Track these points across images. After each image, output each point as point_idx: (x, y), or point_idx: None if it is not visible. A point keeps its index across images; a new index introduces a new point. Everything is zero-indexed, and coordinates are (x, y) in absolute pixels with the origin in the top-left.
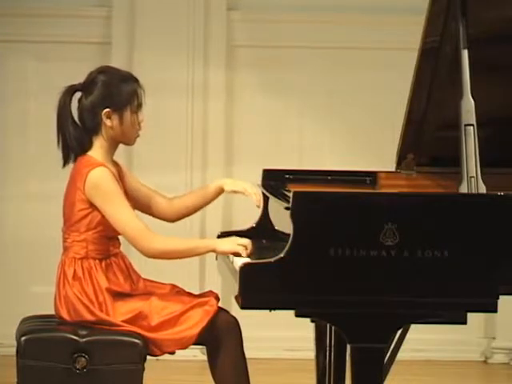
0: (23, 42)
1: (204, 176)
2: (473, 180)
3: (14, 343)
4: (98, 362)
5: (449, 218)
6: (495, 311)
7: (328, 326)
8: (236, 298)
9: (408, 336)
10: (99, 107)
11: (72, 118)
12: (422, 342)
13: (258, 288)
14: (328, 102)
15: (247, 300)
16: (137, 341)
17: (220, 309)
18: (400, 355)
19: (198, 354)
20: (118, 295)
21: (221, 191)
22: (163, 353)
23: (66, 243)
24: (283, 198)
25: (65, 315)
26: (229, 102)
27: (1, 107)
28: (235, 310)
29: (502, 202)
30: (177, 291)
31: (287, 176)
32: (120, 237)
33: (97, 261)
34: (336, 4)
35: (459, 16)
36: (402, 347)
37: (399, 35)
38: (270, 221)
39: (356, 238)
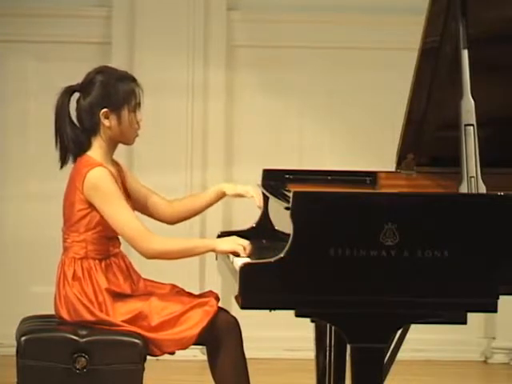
0: (23, 42)
1: (204, 176)
2: (473, 180)
3: (14, 343)
4: (98, 362)
5: (449, 218)
6: (495, 311)
7: (328, 326)
8: (236, 298)
9: (408, 336)
10: (97, 107)
11: (70, 118)
12: (422, 341)
13: (258, 288)
14: (328, 102)
15: (247, 300)
16: (137, 341)
17: (220, 309)
18: (400, 355)
19: (198, 353)
20: (118, 295)
21: (222, 195)
22: (163, 353)
23: (65, 243)
24: (283, 197)
25: (65, 315)
26: (229, 102)
27: (1, 107)
28: (235, 310)
29: (502, 202)
30: (177, 291)
31: (287, 176)
32: (120, 237)
33: (96, 261)
34: (336, 4)
35: (459, 16)
36: (402, 347)
37: (399, 35)
38: (270, 221)
39: (356, 238)
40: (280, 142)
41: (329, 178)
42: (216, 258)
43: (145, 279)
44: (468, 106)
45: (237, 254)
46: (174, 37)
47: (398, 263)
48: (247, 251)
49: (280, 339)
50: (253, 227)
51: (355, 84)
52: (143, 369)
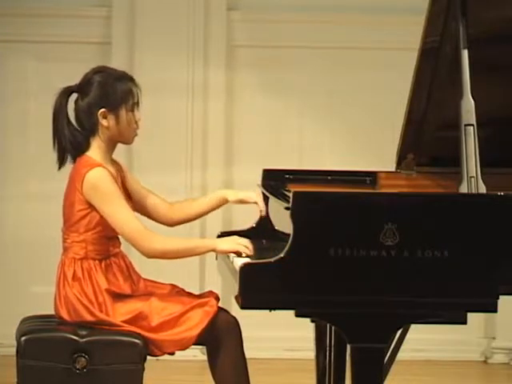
0: (23, 42)
1: (204, 176)
2: (473, 180)
3: (14, 343)
4: (98, 362)
5: (449, 218)
6: (495, 311)
7: (328, 326)
8: (236, 298)
9: (408, 336)
10: (95, 108)
11: (68, 119)
12: (422, 341)
13: (258, 288)
14: (328, 102)
15: (247, 300)
16: (137, 341)
17: (220, 309)
18: (400, 355)
19: (198, 353)
20: (118, 296)
21: (224, 202)
22: (163, 353)
23: (65, 243)
24: (283, 197)
25: (65, 315)
26: (229, 101)
27: (1, 107)
28: (235, 310)
29: (502, 202)
30: (177, 291)
31: (287, 176)
32: (120, 236)
33: (96, 261)
34: (336, 4)
35: (459, 16)
36: (402, 347)
37: (399, 35)
38: (270, 221)
39: (356, 238)
40: (280, 142)
41: (329, 178)
42: (216, 258)
43: (145, 279)
44: (468, 106)
45: (239, 254)
46: (174, 37)
47: (398, 263)
48: (250, 249)
49: (280, 339)
50: (253, 227)
51: (355, 84)
52: (143, 369)
